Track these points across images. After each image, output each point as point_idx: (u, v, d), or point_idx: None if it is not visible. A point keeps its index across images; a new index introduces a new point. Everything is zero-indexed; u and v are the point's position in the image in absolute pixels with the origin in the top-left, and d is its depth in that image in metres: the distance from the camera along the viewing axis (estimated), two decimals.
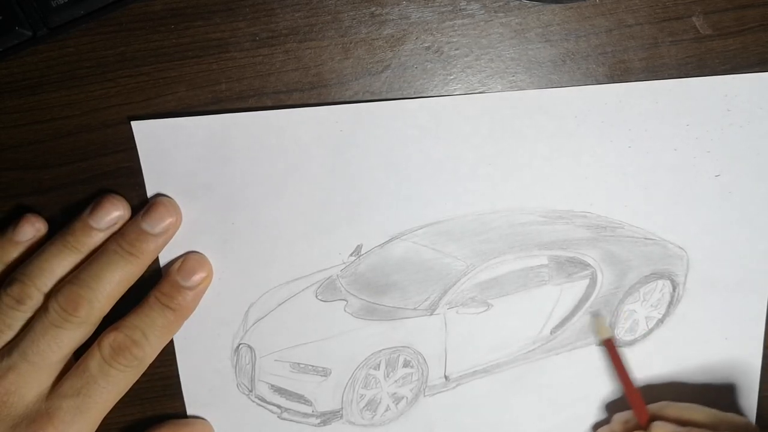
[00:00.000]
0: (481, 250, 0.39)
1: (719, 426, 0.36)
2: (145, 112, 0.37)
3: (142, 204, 0.37)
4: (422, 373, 0.41)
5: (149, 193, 0.37)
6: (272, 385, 0.40)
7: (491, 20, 0.37)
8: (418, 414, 0.41)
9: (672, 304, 0.41)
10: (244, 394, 0.40)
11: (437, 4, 0.37)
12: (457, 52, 0.38)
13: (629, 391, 0.38)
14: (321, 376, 0.40)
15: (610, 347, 0.39)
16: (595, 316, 0.40)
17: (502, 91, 0.38)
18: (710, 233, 0.40)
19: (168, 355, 0.39)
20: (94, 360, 0.35)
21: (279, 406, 0.40)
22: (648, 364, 0.41)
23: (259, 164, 0.37)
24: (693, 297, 0.41)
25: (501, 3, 0.37)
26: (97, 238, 0.36)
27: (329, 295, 0.39)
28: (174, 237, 0.38)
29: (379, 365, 0.40)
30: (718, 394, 0.42)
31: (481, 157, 0.38)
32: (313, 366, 0.40)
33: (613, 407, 0.41)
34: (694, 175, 0.39)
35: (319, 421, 0.41)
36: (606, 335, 0.39)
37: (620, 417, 0.38)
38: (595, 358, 0.41)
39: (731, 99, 0.38)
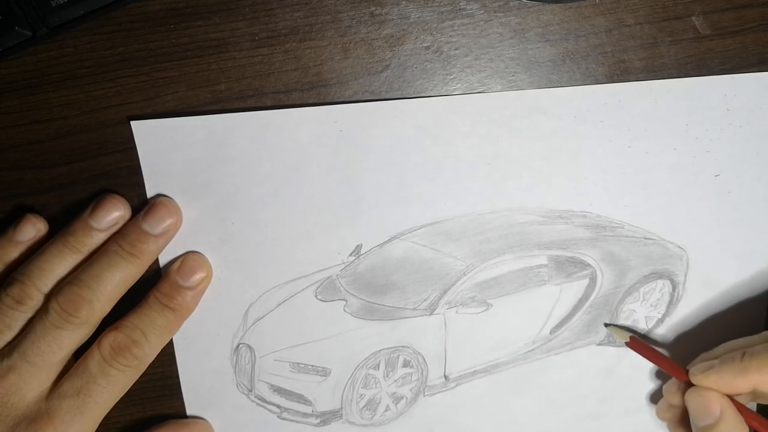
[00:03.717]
0: (481, 249, 0.39)
1: (755, 342, 0.36)
2: (145, 112, 0.37)
3: (142, 204, 0.37)
4: (422, 373, 0.41)
5: (149, 193, 0.38)
6: (272, 385, 0.40)
7: (491, 20, 0.37)
8: (417, 414, 0.41)
9: (671, 304, 0.41)
10: (244, 394, 0.40)
11: (437, 4, 0.37)
12: (456, 51, 0.38)
13: (663, 364, 0.39)
14: (321, 375, 0.40)
15: (635, 345, 0.39)
16: (608, 326, 0.41)
17: (501, 90, 0.38)
18: (710, 233, 0.40)
19: (168, 355, 0.39)
20: (94, 360, 0.35)
21: (279, 406, 0.40)
22: (647, 364, 0.41)
23: (259, 164, 0.37)
24: (693, 297, 0.41)
25: (501, 3, 0.37)
26: (97, 239, 0.36)
27: (329, 295, 0.39)
28: (174, 237, 0.38)
29: (378, 365, 0.40)
30: None
31: (481, 157, 0.38)
32: (312, 366, 0.40)
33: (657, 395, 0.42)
34: (693, 175, 0.39)
35: (318, 420, 0.41)
36: (626, 338, 0.40)
37: (667, 386, 0.39)
38: (594, 357, 0.41)
39: (731, 99, 0.38)
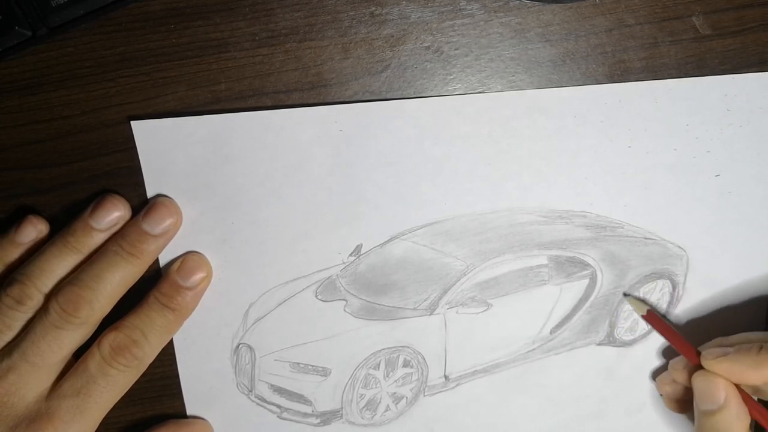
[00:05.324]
0: (481, 249, 0.39)
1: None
2: (145, 112, 0.37)
3: (142, 204, 0.37)
4: (422, 373, 0.41)
5: (149, 192, 0.38)
6: (272, 385, 0.40)
7: (491, 20, 0.38)
8: (417, 414, 0.41)
9: (672, 304, 0.41)
10: (244, 394, 0.40)
11: (437, 4, 0.37)
12: (456, 51, 0.38)
13: (675, 341, 0.38)
14: (321, 375, 0.40)
15: (651, 319, 0.40)
16: (627, 296, 0.40)
17: (501, 90, 0.38)
18: (710, 233, 0.40)
19: (168, 355, 0.39)
20: (93, 360, 0.35)
21: (279, 406, 0.40)
22: (648, 364, 0.42)
23: (259, 164, 0.37)
24: (693, 297, 0.41)
25: (501, 3, 0.37)
26: (97, 239, 0.36)
27: (329, 295, 0.39)
28: (174, 237, 0.38)
29: (378, 365, 0.40)
30: None
31: (481, 157, 0.38)
32: (312, 366, 0.40)
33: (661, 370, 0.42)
34: (693, 175, 0.39)
35: (318, 420, 0.41)
36: (643, 311, 0.40)
37: (674, 362, 0.39)
38: (594, 357, 0.41)
39: (731, 99, 0.38)
